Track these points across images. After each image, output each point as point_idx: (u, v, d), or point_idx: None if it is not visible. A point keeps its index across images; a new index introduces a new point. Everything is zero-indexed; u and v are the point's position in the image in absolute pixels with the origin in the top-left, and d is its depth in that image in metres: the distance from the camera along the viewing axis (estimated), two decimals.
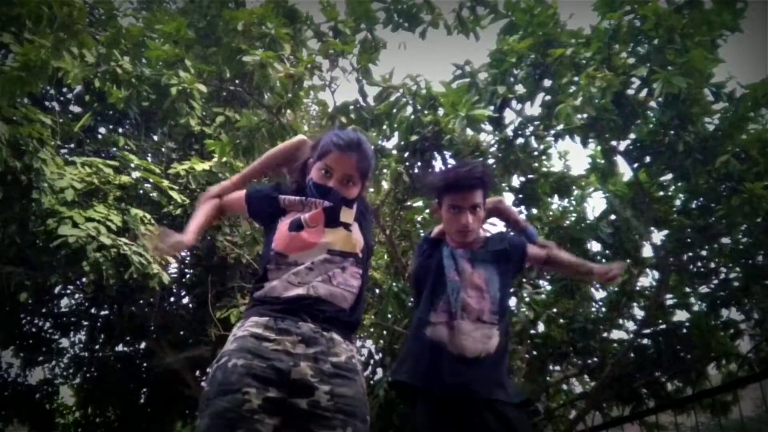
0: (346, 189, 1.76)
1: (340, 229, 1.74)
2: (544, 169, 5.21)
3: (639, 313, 5.79)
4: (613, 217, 5.30)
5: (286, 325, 1.59)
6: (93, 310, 7.96)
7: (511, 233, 2.46)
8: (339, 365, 1.59)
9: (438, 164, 4.74)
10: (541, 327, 5.63)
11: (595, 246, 5.47)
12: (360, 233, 1.79)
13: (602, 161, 5.16)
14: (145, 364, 8.65)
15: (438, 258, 2.16)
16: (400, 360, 2.20)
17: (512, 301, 6.46)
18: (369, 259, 1.92)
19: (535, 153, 5.01)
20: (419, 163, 4.72)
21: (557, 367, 6.23)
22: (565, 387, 6.78)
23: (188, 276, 7.90)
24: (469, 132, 4.67)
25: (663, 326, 5.58)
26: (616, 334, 5.95)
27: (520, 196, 5.14)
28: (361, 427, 1.55)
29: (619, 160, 5.01)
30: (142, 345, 8.42)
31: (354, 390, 1.59)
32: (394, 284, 5.70)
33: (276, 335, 1.57)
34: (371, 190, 5.71)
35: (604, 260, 5.62)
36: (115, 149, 7.10)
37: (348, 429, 1.52)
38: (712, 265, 5.38)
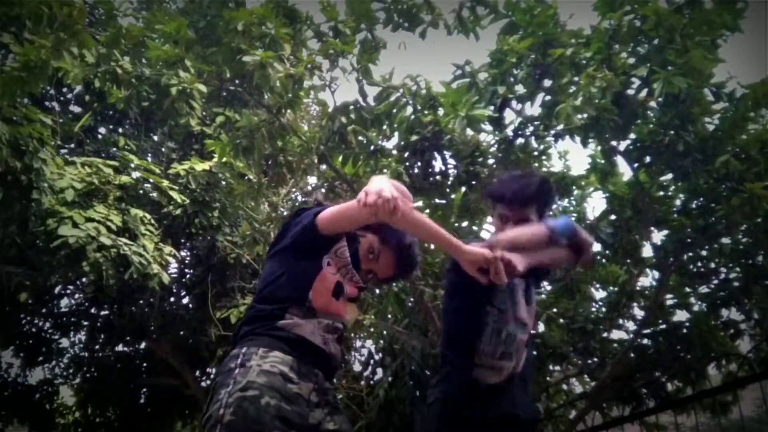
0: (365, 277, 1.87)
1: (353, 308, 1.86)
2: (544, 169, 5.21)
3: (639, 313, 5.79)
4: (613, 217, 5.30)
5: (306, 370, 1.64)
6: (93, 310, 7.97)
7: None
8: (331, 402, 1.71)
9: (438, 164, 4.75)
10: (541, 327, 5.63)
11: (595, 246, 5.47)
12: None
13: (602, 161, 5.16)
14: (145, 364, 8.66)
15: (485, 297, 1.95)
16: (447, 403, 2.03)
17: None
18: None
19: (535, 153, 5.01)
20: (419, 163, 4.72)
21: (557, 367, 6.23)
22: (565, 387, 6.78)
23: (188, 276, 7.90)
24: (469, 132, 4.68)
25: (663, 326, 5.58)
26: (616, 334, 5.94)
27: None
28: None
29: (619, 160, 5.01)
30: (142, 345, 8.42)
31: (346, 422, 1.73)
32: (394, 284, 5.70)
33: (298, 379, 1.61)
34: None
35: (604, 260, 5.63)
36: (115, 149, 7.10)
37: None
38: (712, 265, 5.37)
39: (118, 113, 7.41)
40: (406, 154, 4.74)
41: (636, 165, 4.84)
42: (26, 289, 5.77)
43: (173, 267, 7.33)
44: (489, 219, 5.39)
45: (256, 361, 1.57)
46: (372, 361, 6.73)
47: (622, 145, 4.80)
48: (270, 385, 1.52)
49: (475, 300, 1.95)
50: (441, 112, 4.61)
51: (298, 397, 1.57)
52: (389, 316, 5.75)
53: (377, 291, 6.39)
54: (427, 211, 5.54)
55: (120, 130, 7.77)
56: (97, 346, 8.40)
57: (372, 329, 6.40)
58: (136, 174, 6.39)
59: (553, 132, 4.70)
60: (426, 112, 4.60)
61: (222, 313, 6.06)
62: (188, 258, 7.81)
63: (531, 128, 4.79)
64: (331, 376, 1.78)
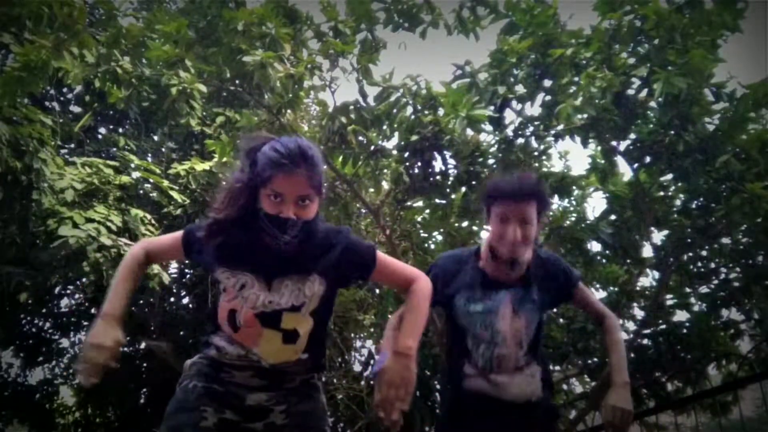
0: (303, 211, 1.49)
1: (278, 338, 1.55)
2: (545, 170, 5.22)
3: (639, 313, 5.79)
4: (613, 217, 5.30)
5: (242, 363, 1.60)
6: (93, 310, 7.96)
7: (565, 267, 2.09)
8: (293, 389, 1.61)
9: (438, 164, 4.75)
10: None
11: (595, 246, 5.48)
12: (311, 317, 1.59)
13: (602, 161, 5.16)
14: (145, 364, 8.65)
15: (468, 305, 1.95)
16: (444, 415, 2.11)
17: None
18: (330, 305, 1.68)
19: (536, 153, 5.01)
20: (419, 163, 4.72)
21: (557, 367, 6.23)
22: (565, 387, 6.78)
23: (188, 276, 7.90)
24: (470, 132, 4.68)
25: (663, 326, 5.58)
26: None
27: None
28: None
29: (619, 160, 5.01)
30: (142, 345, 8.42)
31: (311, 406, 1.61)
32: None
33: (230, 369, 1.59)
34: (371, 190, 5.72)
35: (604, 260, 5.62)
36: (115, 149, 7.10)
37: None
38: (712, 265, 5.37)
39: (118, 113, 7.41)
40: (406, 154, 4.74)
41: (636, 165, 4.84)
42: (26, 289, 5.77)
43: (173, 267, 7.33)
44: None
45: (192, 360, 1.66)
46: (372, 361, 6.73)
47: (622, 145, 4.81)
48: (198, 372, 1.60)
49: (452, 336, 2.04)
50: (441, 112, 4.61)
51: (231, 384, 1.57)
52: (389, 316, 5.74)
53: (377, 291, 6.40)
54: (428, 211, 5.55)
55: (120, 130, 7.77)
56: None
57: (372, 329, 6.40)
58: (136, 174, 6.39)
59: (553, 132, 4.70)
60: (426, 112, 4.60)
61: None
62: None
63: (531, 128, 4.79)
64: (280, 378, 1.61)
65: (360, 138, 4.72)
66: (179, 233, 1.70)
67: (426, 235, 6.12)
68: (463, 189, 4.82)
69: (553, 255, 2.13)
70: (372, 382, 6.28)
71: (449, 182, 4.81)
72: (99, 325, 1.52)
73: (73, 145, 7.20)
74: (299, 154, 1.46)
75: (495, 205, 1.92)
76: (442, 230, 5.71)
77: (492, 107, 4.53)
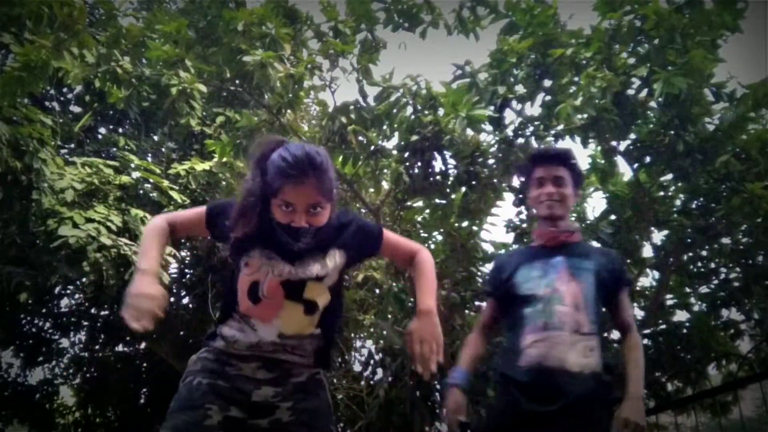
0: (315, 219, 1.50)
1: (299, 309, 1.57)
2: None
3: (639, 313, 5.79)
4: (613, 217, 5.30)
5: (248, 353, 1.60)
6: (93, 310, 7.97)
7: (622, 265, 2.18)
8: (300, 383, 1.62)
9: (438, 164, 4.75)
10: None
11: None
12: (327, 290, 1.62)
13: (602, 161, 5.16)
14: (145, 364, 8.66)
15: (522, 273, 2.08)
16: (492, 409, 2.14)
17: None
18: (340, 289, 1.74)
19: None
20: (419, 163, 4.72)
21: None
22: None
23: (188, 276, 7.90)
24: (470, 132, 4.68)
25: (663, 326, 5.58)
26: (616, 334, 5.94)
27: (520, 196, 5.14)
28: None
29: (619, 160, 5.02)
30: (142, 345, 8.42)
31: (317, 403, 1.62)
32: (394, 284, 5.70)
33: (237, 361, 1.59)
34: (371, 190, 5.72)
35: None
36: (115, 149, 7.10)
37: None
38: (712, 265, 5.38)
39: (118, 113, 7.42)
40: (406, 154, 4.74)
41: (636, 165, 4.84)
42: (26, 289, 5.76)
43: (173, 267, 7.32)
44: (489, 219, 5.40)
45: (197, 356, 1.65)
46: (372, 361, 6.73)
47: (622, 145, 4.81)
48: (203, 369, 1.59)
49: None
50: (441, 112, 4.61)
51: (238, 377, 1.57)
52: (389, 316, 5.75)
53: (377, 291, 6.40)
54: (428, 211, 5.55)
55: (120, 130, 7.77)
56: (97, 346, 8.40)
57: (372, 329, 6.40)
58: (136, 174, 6.39)
59: (553, 132, 4.70)
60: (426, 112, 4.59)
61: None
62: (188, 258, 7.80)
63: (531, 128, 4.79)
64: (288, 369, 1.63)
65: (360, 138, 4.72)
66: (202, 209, 1.69)
67: (426, 235, 6.12)
68: (463, 189, 4.81)
69: (616, 252, 2.31)
70: (372, 382, 6.29)
71: (449, 182, 4.81)
72: (140, 279, 1.49)
73: (73, 145, 7.20)
74: (307, 162, 1.45)
75: (533, 173, 2.15)
76: (442, 230, 5.71)
77: (492, 107, 4.53)
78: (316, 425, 1.58)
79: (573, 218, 5.53)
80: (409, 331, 1.57)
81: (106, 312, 7.86)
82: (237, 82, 4.82)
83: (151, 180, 6.38)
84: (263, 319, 1.57)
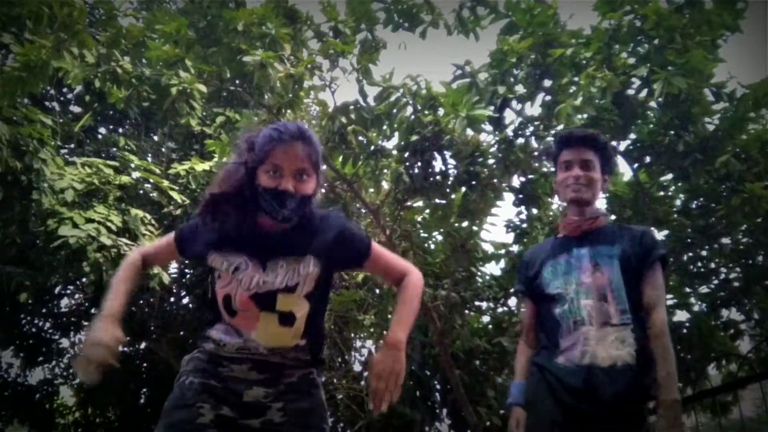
0: (302, 185, 1.52)
1: (274, 320, 1.55)
2: (545, 169, 5.21)
3: None
4: (613, 217, 5.29)
5: (240, 355, 1.59)
6: (93, 310, 7.97)
7: (653, 239, 2.06)
8: (292, 384, 1.60)
9: (438, 164, 4.75)
10: None
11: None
12: (307, 300, 1.58)
13: None
14: (145, 364, 8.66)
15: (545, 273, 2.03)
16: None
17: (513, 302, 6.47)
18: (328, 288, 1.69)
19: (535, 153, 5.01)
20: (419, 163, 4.72)
21: None
22: None
23: (188, 276, 7.90)
24: (470, 132, 4.67)
25: None
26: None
27: (520, 196, 5.14)
28: None
29: (619, 160, 5.02)
30: (142, 345, 8.42)
31: (310, 403, 1.61)
32: None
33: (228, 363, 1.58)
34: (371, 190, 5.72)
35: None
36: (115, 149, 7.11)
37: None
38: (712, 265, 5.38)
39: (118, 113, 7.42)
40: (406, 154, 4.73)
41: (636, 165, 4.84)
42: (26, 289, 5.77)
43: (173, 267, 7.33)
44: (489, 219, 5.40)
45: (190, 356, 1.65)
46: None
47: (622, 145, 4.81)
48: (196, 368, 1.59)
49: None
50: (441, 112, 4.61)
51: (230, 378, 1.57)
52: (389, 316, 5.74)
53: (377, 291, 6.40)
54: (427, 211, 5.55)
55: (120, 130, 7.78)
56: None
57: (372, 329, 6.40)
58: (136, 174, 6.39)
59: (553, 132, 4.70)
60: (426, 112, 4.59)
61: None
62: None
63: (531, 128, 4.79)
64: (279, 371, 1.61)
65: (360, 138, 4.72)
66: (171, 234, 1.74)
67: (426, 235, 6.12)
68: (463, 189, 4.81)
69: (646, 229, 2.12)
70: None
71: (449, 182, 4.81)
72: (98, 324, 1.52)
73: (73, 145, 7.20)
74: (297, 130, 1.52)
75: (560, 156, 2.07)
76: (442, 230, 5.71)
77: (492, 107, 4.53)
78: (309, 425, 1.57)
79: None
80: (371, 363, 1.52)
81: None
82: (237, 82, 4.82)
83: (151, 180, 6.38)
84: (246, 328, 1.57)
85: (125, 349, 8.59)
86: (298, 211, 1.52)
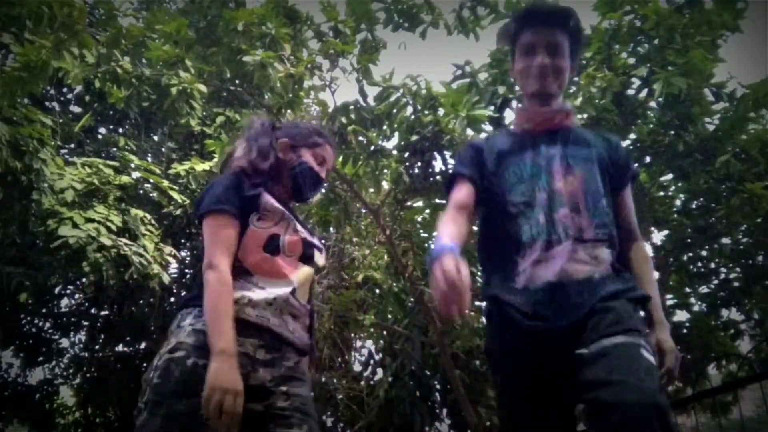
0: (325, 178, 1.82)
1: (309, 274, 1.62)
2: None
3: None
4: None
5: (248, 327, 1.51)
6: (93, 310, 7.98)
7: (626, 153, 1.77)
8: (290, 368, 1.57)
9: (438, 164, 4.75)
10: None
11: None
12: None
13: None
14: (145, 364, 8.65)
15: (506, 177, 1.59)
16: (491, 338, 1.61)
17: None
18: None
19: None
20: (419, 163, 4.72)
21: None
22: None
23: (188, 276, 7.90)
24: (470, 132, 4.67)
25: None
26: None
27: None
28: (315, 427, 1.57)
29: None
30: (142, 345, 8.42)
31: (306, 391, 1.61)
32: (394, 284, 5.70)
33: (236, 335, 1.44)
34: (371, 190, 5.72)
35: None
36: (115, 149, 7.11)
37: (304, 427, 1.52)
38: (712, 265, 5.38)
39: (118, 113, 7.42)
40: (406, 154, 4.74)
41: (636, 165, 4.84)
42: (26, 289, 5.77)
43: (173, 267, 7.33)
44: None
45: (189, 321, 1.51)
46: (372, 361, 6.74)
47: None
48: (198, 345, 1.44)
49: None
50: (441, 112, 4.61)
51: (238, 355, 1.43)
52: (389, 316, 5.75)
53: (377, 291, 6.40)
54: (427, 211, 5.55)
55: (120, 130, 7.78)
56: (97, 346, 8.40)
57: (372, 329, 6.40)
58: (136, 174, 6.40)
59: None
60: (426, 112, 4.59)
61: None
62: (188, 258, 7.80)
63: None
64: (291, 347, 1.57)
65: (360, 138, 4.72)
66: (221, 217, 1.56)
67: (426, 235, 6.12)
68: None
69: (618, 138, 1.83)
70: (372, 382, 6.29)
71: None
72: (223, 365, 1.37)
73: (73, 145, 7.20)
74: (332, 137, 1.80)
75: (520, 38, 1.63)
76: None
77: (492, 107, 4.53)
78: (308, 412, 1.55)
79: None
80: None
81: (106, 312, 7.87)
82: (237, 82, 4.82)
83: (151, 180, 6.39)
84: (277, 275, 1.53)
85: (125, 349, 8.60)
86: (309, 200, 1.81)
